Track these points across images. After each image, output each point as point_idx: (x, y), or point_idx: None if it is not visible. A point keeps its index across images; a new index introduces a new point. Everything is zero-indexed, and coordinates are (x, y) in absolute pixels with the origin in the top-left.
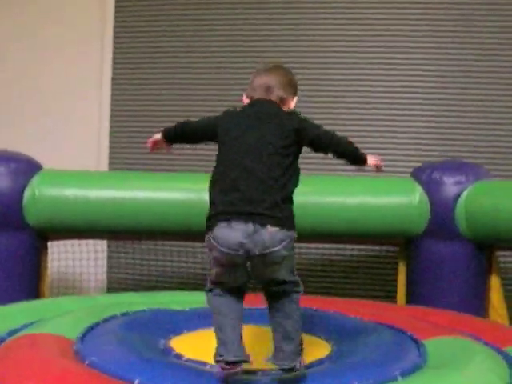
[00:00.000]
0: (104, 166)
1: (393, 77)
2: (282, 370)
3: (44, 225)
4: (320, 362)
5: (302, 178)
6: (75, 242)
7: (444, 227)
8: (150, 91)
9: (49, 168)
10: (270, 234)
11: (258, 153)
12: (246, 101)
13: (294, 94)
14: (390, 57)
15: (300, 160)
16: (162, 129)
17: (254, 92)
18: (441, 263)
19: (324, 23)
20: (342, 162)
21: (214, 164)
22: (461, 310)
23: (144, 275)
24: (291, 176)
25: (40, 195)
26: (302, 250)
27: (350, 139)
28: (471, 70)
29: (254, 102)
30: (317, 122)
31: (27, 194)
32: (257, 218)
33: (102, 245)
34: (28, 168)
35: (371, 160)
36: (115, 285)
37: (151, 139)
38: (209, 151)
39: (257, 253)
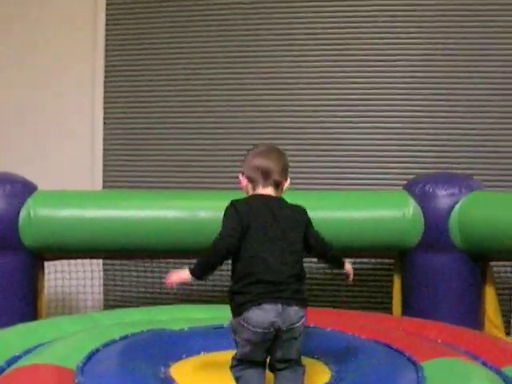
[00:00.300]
0: (98, 185)
1: (385, 90)
2: None
3: (40, 245)
4: None
5: (296, 193)
6: (71, 261)
7: (438, 239)
8: (143, 110)
9: (44, 189)
10: (294, 311)
11: (280, 249)
12: (244, 181)
13: (287, 176)
14: (383, 70)
15: (292, 176)
16: (190, 269)
17: (254, 174)
18: (435, 275)
19: (317, 33)
20: (333, 178)
21: (237, 260)
22: (456, 321)
23: (140, 293)
24: (302, 261)
25: (35, 216)
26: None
27: (344, 153)
28: (463, 83)
29: (264, 201)
30: (309, 135)
31: (23, 214)
32: (284, 301)
33: (97, 264)
34: (23, 189)
35: (348, 266)
36: (111, 302)
37: (176, 278)
38: (203, 168)
39: (284, 328)
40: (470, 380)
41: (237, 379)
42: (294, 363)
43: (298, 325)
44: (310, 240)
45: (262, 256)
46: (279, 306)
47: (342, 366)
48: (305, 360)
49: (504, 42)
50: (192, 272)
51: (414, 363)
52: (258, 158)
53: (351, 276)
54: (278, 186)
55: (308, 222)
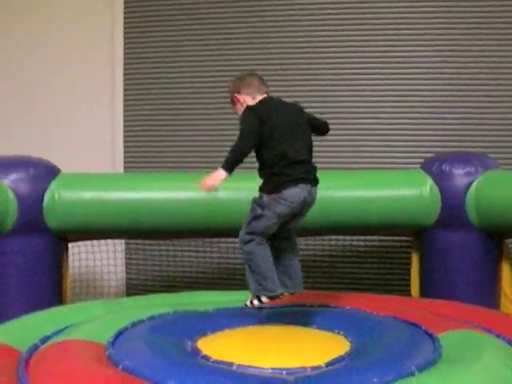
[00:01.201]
0: (120, 168)
1: (404, 70)
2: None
3: (64, 227)
4: (341, 359)
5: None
6: (94, 242)
7: (455, 218)
8: (162, 94)
9: (67, 172)
10: (315, 190)
11: (299, 136)
12: (242, 98)
13: None
14: (406, 51)
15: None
16: (223, 167)
17: (252, 86)
18: (452, 252)
19: (325, 17)
20: (352, 157)
21: (266, 148)
22: (473, 298)
23: (163, 271)
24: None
25: (59, 198)
26: (317, 242)
27: (362, 133)
28: (480, 61)
29: (271, 101)
30: (330, 115)
31: (47, 197)
32: (312, 182)
33: (120, 244)
34: (47, 173)
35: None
36: (134, 281)
37: (214, 180)
38: (222, 148)
39: (309, 202)
40: (483, 349)
41: (249, 253)
42: (293, 232)
43: (315, 198)
44: (312, 122)
45: (289, 142)
46: (309, 185)
47: (362, 338)
48: (325, 334)
49: None
50: (225, 168)
51: (431, 335)
52: (248, 76)
53: None
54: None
55: (304, 111)
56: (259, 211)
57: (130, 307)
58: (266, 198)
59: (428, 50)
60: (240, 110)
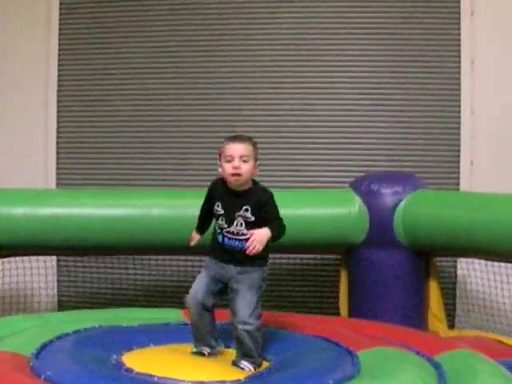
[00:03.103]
0: (52, 184)
1: (333, 89)
2: None
3: None
4: (259, 374)
5: None
6: (26, 258)
7: (383, 236)
8: (96, 110)
9: None
10: None
11: None
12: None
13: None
14: (330, 70)
15: None
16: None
17: None
18: (381, 271)
19: (269, 30)
20: (280, 175)
21: None
22: (401, 315)
23: (94, 288)
24: None
25: None
26: None
27: (292, 152)
28: (409, 82)
29: None
30: (260, 132)
31: None
32: None
33: (51, 261)
34: None
35: None
36: (65, 298)
37: (262, 242)
38: (155, 165)
39: None
40: (402, 365)
41: (259, 330)
42: None
43: None
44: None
45: None
46: None
47: (281, 355)
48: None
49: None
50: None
51: (351, 352)
52: None
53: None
54: None
55: None
56: (263, 287)
57: (56, 322)
58: (262, 274)
59: (355, 71)
60: (248, 172)
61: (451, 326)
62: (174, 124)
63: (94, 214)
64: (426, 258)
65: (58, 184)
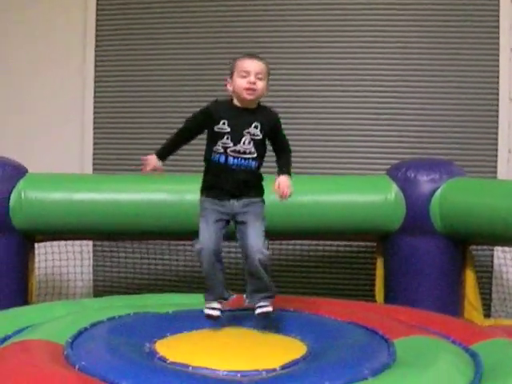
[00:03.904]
0: (88, 169)
1: (369, 77)
2: None
3: (31, 227)
4: (295, 362)
5: None
6: (62, 243)
7: (419, 223)
8: (133, 94)
9: (34, 172)
10: None
11: None
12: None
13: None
14: (365, 58)
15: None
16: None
17: None
18: (417, 258)
19: (302, 23)
20: (317, 162)
21: None
22: (437, 303)
23: (129, 273)
24: None
25: (26, 198)
26: (283, 247)
27: (328, 138)
28: (446, 70)
29: None
30: (295, 118)
31: (13, 197)
32: None
33: (87, 246)
34: (14, 172)
35: None
36: (101, 283)
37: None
38: (190, 151)
39: None
40: (437, 354)
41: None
42: None
43: None
44: None
45: None
46: None
47: (318, 342)
48: (282, 338)
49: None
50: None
51: (386, 340)
52: None
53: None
54: None
55: None
56: (265, 220)
57: (91, 308)
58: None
59: (394, 58)
60: (262, 89)
61: (487, 315)
62: None
63: (129, 199)
64: (463, 246)
65: (94, 169)
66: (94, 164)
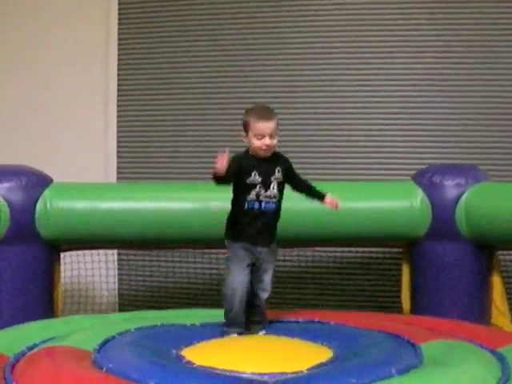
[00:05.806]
0: (112, 177)
1: (394, 81)
2: None
3: (56, 236)
4: (322, 365)
5: None
6: (87, 252)
7: (445, 229)
8: (156, 103)
9: (59, 181)
10: None
11: None
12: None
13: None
14: (391, 61)
15: (302, 167)
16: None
17: None
18: (443, 264)
19: (325, 23)
20: (342, 168)
21: None
22: (464, 309)
23: (154, 282)
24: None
25: (52, 208)
26: (308, 253)
27: (351, 144)
28: (471, 74)
29: None
30: (317, 125)
31: (39, 206)
32: None
33: (112, 255)
34: (39, 182)
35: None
36: (125, 291)
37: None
38: (211, 158)
39: None
40: (465, 355)
41: None
42: None
43: None
44: None
45: None
46: None
47: (345, 348)
48: (309, 344)
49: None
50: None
51: (412, 344)
52: None
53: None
54: None
55: None
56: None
57: (118, 320)
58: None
59: (421, 63)
60: (275, 144)
61: None
62: (234, 119)
63: (153, 208)
64: (489, 252)
65: (118, 178)
66: (118, 173)
